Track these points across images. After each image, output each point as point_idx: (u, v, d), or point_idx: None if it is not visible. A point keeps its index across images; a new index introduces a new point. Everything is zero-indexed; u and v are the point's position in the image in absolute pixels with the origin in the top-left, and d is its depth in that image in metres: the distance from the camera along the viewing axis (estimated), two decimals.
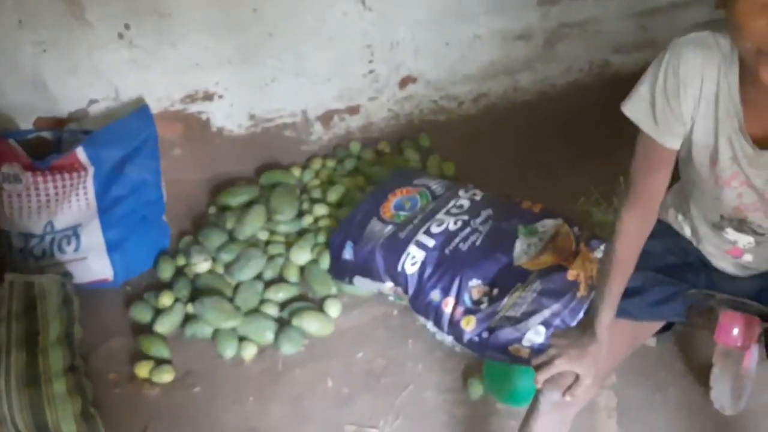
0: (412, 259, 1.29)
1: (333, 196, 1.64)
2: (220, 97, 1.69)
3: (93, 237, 1.50)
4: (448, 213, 1.34)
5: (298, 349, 1.38)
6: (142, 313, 1.47)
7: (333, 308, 1.43)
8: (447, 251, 1.28)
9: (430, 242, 1.30)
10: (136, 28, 1.55)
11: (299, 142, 1.83)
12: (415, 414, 1.25)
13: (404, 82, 1.79)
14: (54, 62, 1.55)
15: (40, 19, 1.49)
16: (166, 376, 1.36)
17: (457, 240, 1.29)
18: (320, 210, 1.61)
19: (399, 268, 1.30)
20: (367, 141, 1.84)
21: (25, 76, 1.55)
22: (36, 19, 1.49)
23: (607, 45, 1.82)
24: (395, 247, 1.32)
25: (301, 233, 1.61)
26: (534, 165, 1.71)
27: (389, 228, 1.36)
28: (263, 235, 1.61)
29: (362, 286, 1.41)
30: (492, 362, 1.21)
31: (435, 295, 1.26)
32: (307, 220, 1.61)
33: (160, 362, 1.38)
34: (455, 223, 1.31)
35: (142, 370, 1.36)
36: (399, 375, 1.32)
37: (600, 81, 1.86)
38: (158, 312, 1.47)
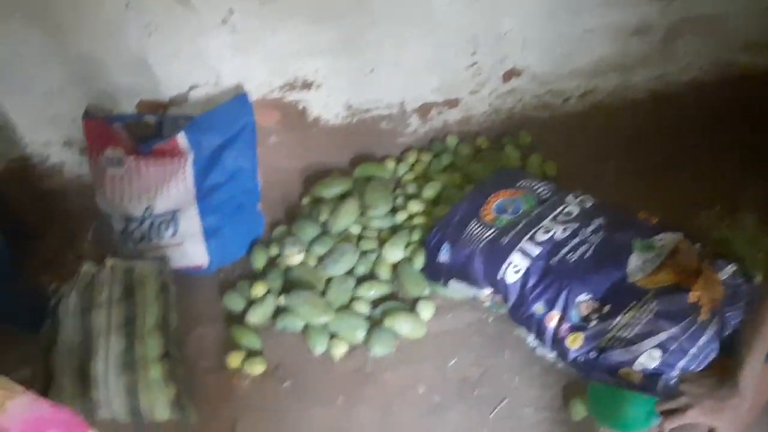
0: (515, 268, 1.22)
1: (429, 192, 1.58)
2: (319, 86, 1.66)
3: (191, 223, 1.50)
4: (555, 220, 1.26)
5: (389, 350, 1.34)
6: (234, 302, 1.47)
7: (426, 310, 1.39)
8: (553, 261, 1.20)
9: (535, 250, 1.22)
10: (240, 14, 1.53)
11: (395, 134, 1.78)
12: (510, 430, 1.19)
13: (508, 76, 1.71)
14: (159, 46, 1.55)
15: (147, 3, 1.50)
16: (257, 367, 1.35)
17: (565, 250, 1.21)
18: (415, 206, 1.56)
19: (499, 276, 1.23)
20: (464, 135, 1.77)
21: (131, 58, 1.57)
22: (143, 3, 1.50)
23: (734, 42, 1.68)
24: (496, 253, 1.25)
25: (395, 229, 1.57)
26: (643, 170, 1.60)
27: (490, 232, 1.30)
28: (355, 229, 1.57)
29: (457, 289, 1.36)
30: (598, 384, 1.14)
31: (538, 307, 1.19)
32: (401, 216, 1.56)
33: (251, 353, 1.38)
34: (563, 231, 1.24)
35: (234, 360, 1.36)
36: (494, 387, 1.26)
37: (722, 80, 1.72)
38: (250, 302, 1.47)
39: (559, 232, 1.23)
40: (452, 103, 1.74)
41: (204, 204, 1.51)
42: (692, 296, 1.10)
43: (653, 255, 1.18)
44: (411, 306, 1.41)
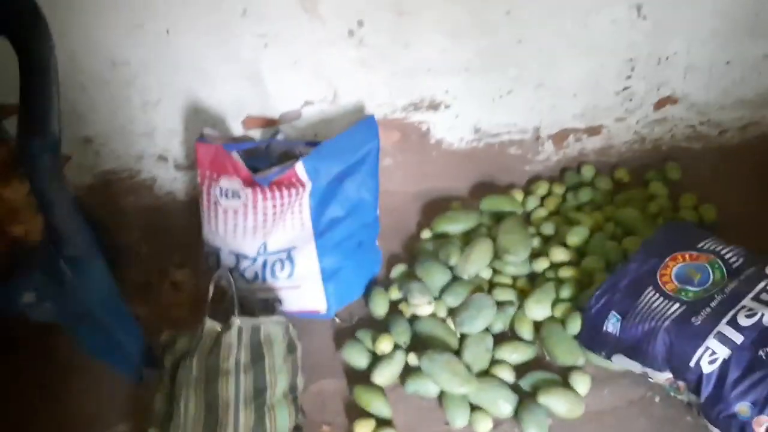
0: (712, 356, 1.04)
1: (574, 239, 1.39)
2: (447, 106, 1.47)
3: (308, 262, 1.34)
4: (758, 300, 1.07)
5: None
6: (356, 357, 1.31)
7: (581, 384, 1.21)
8: (762, 353, 1.02)
9: (738, 337, 1.04)
10: (370, 25, 1.34)
11: (523, 161, 1.59)
12: None
13: (661, 103, 1.50)
14: (274, 58, 1.37)
15: (266, 9, 1.31)
16: None
17: None
18: (559, 254, 1.38)
19: (692, 363, 1.05)
20: (601, 165, 1.58)
21: (242, 70, 1.39)
22: (262, 9, 1.31)
23: None
24: (688, 336, 1.07)
25: (532, 277, 1.39)
26: None
27: (676, 307, 1.11)
28: (486, 274, 1.40)
29: (623, 365, 1.18)
30: None
31: (742, 408, 1.01)
32: (542, 265, 1.38)
33: (381, 422, 1.22)
34: None
35: (363, 429, 1.20)
36: None
37: None
38: (374, 357, 1.31)
39: (767, 317, 1.05)
40: (594, 131, 1.54)
41: (322, 241, 1.34)
42: None
43: None
44: (562, 376, 1.24)
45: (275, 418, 1.08)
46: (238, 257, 1.34)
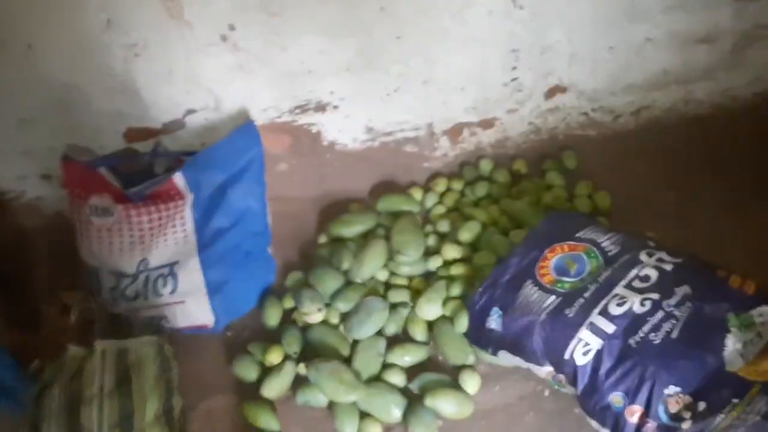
0: (585, 347, 1.03)
1: (466, 235, 1.37)
2: (335, 107, 1.44)
3: (192, 277, 1.29)
4: (630, 287, 1.06)
5: None
6: (246, 370, 1.27)
7: (471, 383, 1.19)
8: (632, 341, 1.00)
9: (609, 327, 1.02)
10: (243, 29, 1.30)
11: (421, 158, 1.56)
12: None
13: (552, 92, 1.48)
14: (147, 68, 1.32)
15: (131, 19, 1.26)
16: None
17: (646, 328, 1.01)
18: (451, 252, 1.35)
19: (567, 356, 1.04)
20: (500, 158, 1.56)
21: (115, 83, 1.33)
22: (127, 19, 1.26)
23: None
24: (561, 329, 1.05)
25: (427, 276, 1.37)
26: (712, 201, 1.39)
27: (551, 299, 1.09)
28: (382, 276, 1.37)
29: (509, 361, 1.16)
30: None
31: (615, 398, 0.99)
32: (435, 263, 1.36)
33: None
34: (642, 303, 1.03)
35: None
36: None
37: None
38: (265, 370, 1.27)
39: (637, 305, 1.03)
40: (487, 124, 1.52)
41: (206, 255, 1.30)
42: None
43: (753, 335, 0.98)
44: (453, 375, 1.21)
45: None
46: (118, 276, 1.29)
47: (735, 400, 0.93)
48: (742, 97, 1.51)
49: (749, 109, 1.51)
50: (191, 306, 1.30)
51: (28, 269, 1.48)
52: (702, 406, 0.94)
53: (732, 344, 0.97)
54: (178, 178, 1.27)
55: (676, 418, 0.95)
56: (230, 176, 1.33)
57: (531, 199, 1.41)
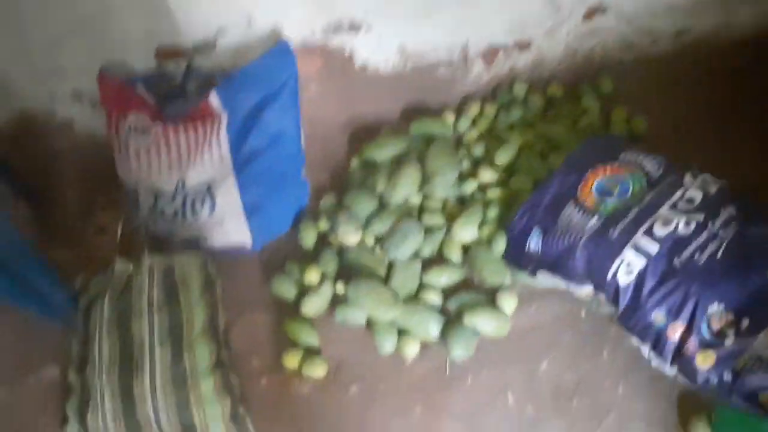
0: (628, 267, 1.04)
1: (502, 157, 1.36)
2: (369, 27, 1.41)
3: (229, 197, 1.29)
4: (674, 208, 1.06)
5: (471, 352, 1.17)
6: (284, 289, 1.29)
7: (508, 303, 1.21)
8: (677, 261, 1.01)
9: (653, 247, 1.03)
10: None
11: (454, 81, 1.54)
12: None
13: (590, 13, 1.45)
14: None
15: None
16: (318, 369, 1.19)
17: (690, 248, 1.02)
18: (487, 175, 1.35)
19: (609, 276, 1.05)
20: (534, 82, 1.53)
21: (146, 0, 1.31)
22: None
23: None
24: (604, 249, 1.06)
25: (462, 201, 1.37)
26: (752, 132, 1.37)
27: (594, 221, 1.10)
28: (416, 200, 1.37)
29: (547, 281, 1.18)
30: (729, 408, 0.98)
31: (658, 316, 1.01)
32: (470, 186, 1.36)
33: (309, 352, 1.21)
34: (687, 224, 1.04)
35: (291, 360, 1.20)
36: (595, 397, 1.10)
37: None
38: (303, 289, 1.29)
39: (682, 225, 1.04)
40: (523, 45, 1.49)
41: (242, 175, 1.30)
42: None
43: None
44: (489, 297, 1.23)
45: (194, 355, 1.07)
46: (156, 195, 1.29)
47: None
48: None
49: None
50: (229, 226, 1.30)
51: (62, 190, 1.49)
52: (745, 323, 0.96)
53: None
54: (213, 99, 1.25)
55: (719, 335, 0.97)
56: (265, 97, 1.31)
57: (567, 123, 1.40)
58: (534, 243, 1.15)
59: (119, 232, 1.17)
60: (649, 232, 1.04)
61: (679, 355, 1.00)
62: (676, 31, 1.48)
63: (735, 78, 1.45)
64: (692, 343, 0.98)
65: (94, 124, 1.50)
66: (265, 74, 1.31)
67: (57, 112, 1.46)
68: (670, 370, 1.02)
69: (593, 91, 1.50)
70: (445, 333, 1.19)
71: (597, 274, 1.07)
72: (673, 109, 1.43)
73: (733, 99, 1.42)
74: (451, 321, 1.20)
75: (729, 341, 0.96)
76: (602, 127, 1.41)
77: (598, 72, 1.52)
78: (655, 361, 1.04)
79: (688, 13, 1.45)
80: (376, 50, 1.45)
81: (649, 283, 1.02)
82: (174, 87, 1.32)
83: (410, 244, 1.27)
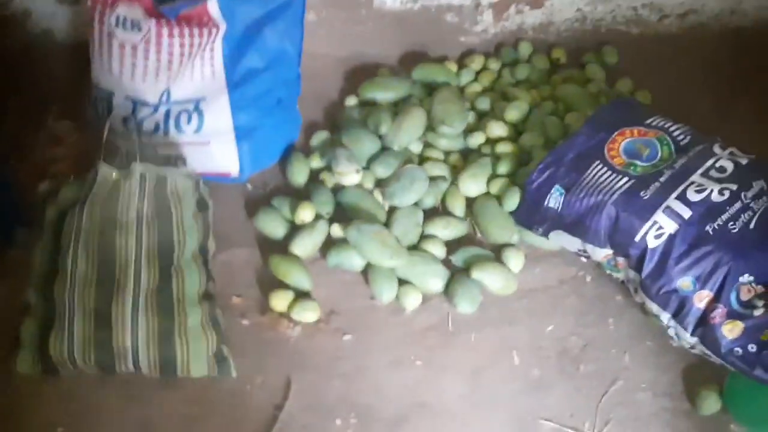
0: (659, 230, 1.00)
1: (513, 114, 1.30)
2: None
3: (220, 117, 1.16)
4: (707, 176, 1.03)
5: (476, 308, 1.10)
6: (272, 225, 1.17)
7: (515, 261, 1.15)
8: (709, 228, 0.98)
9: (686, 212, 1.00)
10: None
11: (459, 31, 1.46)
12: (627, 420, 1.01)
13: None
14: None
15: None
16: (309, 314, 1.08)
17: (724, 216, 0.99)
18: (497, 129, 1.28)
19: (638, 238, 1.01)
20: (538, 44, 1.48)
21: None
22: None
23: None
24: (636, 210, 1.02)
25: (465, 153, 1.30)
26: (746, 113, 1.38)
27: (624, 181, 1.05)
28: (416, 147, 1.28)
29: (559, 242, 1.12)
30: (741, 379, 0.97)
31: (684, 282, 0.98)
32: (477, 139, 1.28)
33: (299, 295, 1.10)
34: (721, 192, 1.01)
35: (279, 301, 1.08)
36: (601, 363, 1.06)
37: None
38: (292, 227, 1.17)
39: (715, 193, 1.01)
40: (537, 3, 1.43)
41: (237, 94, 1.16)
42: None
43: None
44: (494, 253, 1.16)
45: (183, 281, 0.94)
46: (136, 104, 1.13)
47: None
48: None
49: None
50: (216, 149, 1.17)
51: (7, 94, 1.29)
52: None
53: None
54: (212, 5, 1.11)
55: (748, 305, 0.95)
56: (268, 12, 1.18)
57: (579, 87, 1.36)
58: (554, 200, 1.09)
59: (106, 131, 1.00)
60: (683, 197, 1.01)
61: (703, 324, 0.97)
62: (685, 10, 1.47)
63: (733, 62, 1.46)
64: (719, 312, 0.95)
65: (55, 23, 1.31)
66: None
67: (12, 2, 1.26)
68: (690, 340, 1.00)
69: (598, 60, 1.46)
70: (449, 286, 1.11)
71: (623, 236, 1.02)
72: (671, 86, 1.42)
73: (729, 81, 1.43)
74: (457, 274, 1.12)
75: (758, 312, 0.94)
76: (611, 95, 1.38)
77: (601, 42, 1.49)
78: (674, 330, 1.01)
79: None
80: None
81: (678, 248, 0.99)
82: None
83: (416, 191, 1.18)
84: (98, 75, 1.14)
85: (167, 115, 1.14)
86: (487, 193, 1.21)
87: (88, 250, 0.89)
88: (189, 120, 1.14)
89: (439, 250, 1.16)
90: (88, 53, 1.18)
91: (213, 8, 1.11)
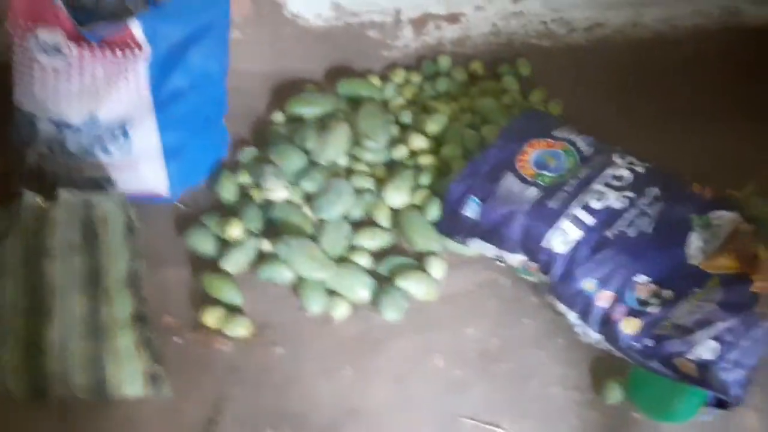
0: (565, 237, 1.08)
1: (433, 126, 1.36)
2: None
3: (147, 138, 1.18)
4: (607, 185, 1.12)
5: (401, 315, 1.16)
6: (202, 243, 1.20)
7: (437, 268, 1.22)
8: (609, 234, 1.07)
9: (589, 220, 1.09)
10: None
11: (381, 46, 1.52)
12: (541, 414, 1.09)
13: None
14: None
15: None
16: (241, 329, 1.12)
17: (622, 222, 1.08)
18: (418, 142, 1.34)
19: (545, 244, 1.09)
20: (457, 57, 1.55)
21: None
22: None
23: None
24: (544, 219, 1.10)
25: (389, 165, 1.35)
26: (647, 119, 1.49)
27: (534, 191, 1.13)
28: (342, 161, 1.33)
29: (477, 249, 1.20)
30: (641, 370, 1.06)
31: (588, 284, 1.07)
32: (399, 152, 1.34)
33: (231, 310, 1.14)
34: (619, 200, 1.10)
35: (211, 317, 1.12)
36: (518, 362, 1.14)
37: (724, 30, 1.63)
38: (222, 244, 1.21)
39: (614, 201, 1.10)
40: (453, 18, 1.50)
41: (163, 115, 1.19)
42: (756, 286, 1.03)
43: (709, 234, 1.09)
44: (418, 261, 1.23)
45: (113, 304, 0.96)
46: (60, 126, 1.14)
47: (696, 289, 1.04)
48: (681, 27, 1.61)
49: (683, 40, 1.62)
50: (145, 169, 1.19)
51: None
52: (667, 293, 1.04)
53: (694, 242, 1.07)
54: (135, 27, 1.13)
55: (644, 303, 1.04)
56: (192, 33, 1.20)
57: (495, 99, 1.43)
58: (471, 210, 1.17)
59: (29, 157, 1.01)
60: (586, 206, 1.10)
61: (606, 322, 1.06)
62: (590, 24, 1.57)
63: (636, 72, 1.57)
64: (619, 311, 1.05)
65: None
66: (194, 8, 1.20)
67: None
68: (595, 336, 1.08)
69: (512, 71, 1.55)
70: (375, 295, 1.17)
71: (533, 242, 1.10)
72: (584, 94, 1.51)
73: (632, 90, 1.54)
74: (383, 284, 1.18)
75: (653, 309, 1.03)
76: (523, 107, 1.46)
77: (516, 55, 1.57)
78: (581, 328, 1.10)
79: (604, 8, 1.54)
80: (310, 2, 1.39)
81: (583, 253, 1.07)
82: (90, 9, 1.17)
83: (343, 204, 1.24)
84: (21, 97, 1.14)
85: (93, 137, 1.15)
86: (411, 204, 1.28)
87: (15, 280, 0.91)
88: (116, 141, 1.16)
89: (365, 261, 1.21)
90: (10, 75, 1.18)
91: (136, 31, 1.13)
